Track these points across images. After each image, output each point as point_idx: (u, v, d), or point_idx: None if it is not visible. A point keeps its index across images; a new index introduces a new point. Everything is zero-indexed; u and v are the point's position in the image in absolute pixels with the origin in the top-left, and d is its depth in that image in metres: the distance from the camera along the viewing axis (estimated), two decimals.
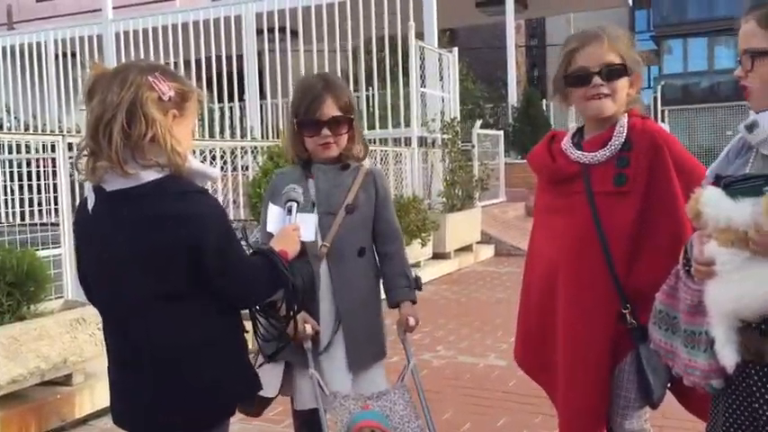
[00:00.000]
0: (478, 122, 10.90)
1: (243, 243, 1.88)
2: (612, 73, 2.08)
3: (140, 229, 1.63)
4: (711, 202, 1.62)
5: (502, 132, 12.20)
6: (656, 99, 19.40)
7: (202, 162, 6.31)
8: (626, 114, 2.14)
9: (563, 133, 2.27)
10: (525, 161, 10.75)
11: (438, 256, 8.34)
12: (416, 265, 7.80)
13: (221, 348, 1.74)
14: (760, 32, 1.65)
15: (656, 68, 32.18)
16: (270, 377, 2.33)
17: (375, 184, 2.47)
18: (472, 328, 5.63)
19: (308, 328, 2.28)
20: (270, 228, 2.13)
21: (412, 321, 2.42)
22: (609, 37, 2.11)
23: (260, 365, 2.05)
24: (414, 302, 2.49)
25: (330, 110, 2.35)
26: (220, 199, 6.68)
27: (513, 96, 13.61)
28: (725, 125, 20.46)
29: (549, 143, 2.26)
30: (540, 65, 30.63)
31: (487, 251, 9.54)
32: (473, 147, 10.03)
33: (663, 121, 18.66)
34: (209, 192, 1.78)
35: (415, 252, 7.65)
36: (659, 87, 20.56)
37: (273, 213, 2.16)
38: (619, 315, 2.07)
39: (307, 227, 2.10)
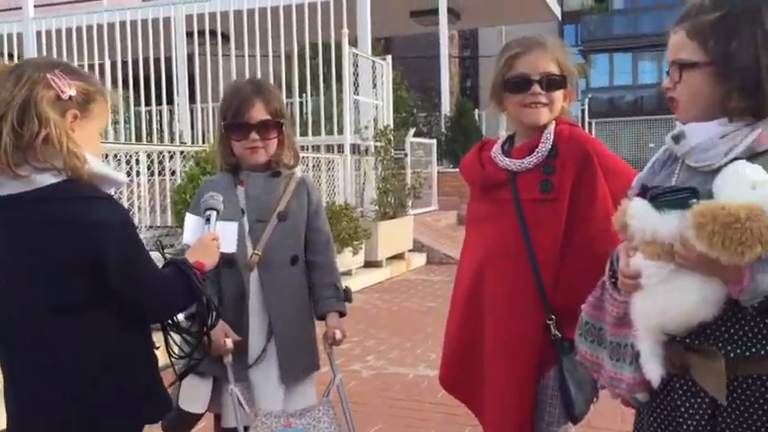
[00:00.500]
0: (412, 131, 10.94)
1: (159, 253, 1.78)
2: (552, 83, 2.08)
3: (36, 237, 1.50)
4: (638, 214, 1.61)
5: (435, 141, 12.28)
6: (583, 111, 19.94)
7: (126, 165, 6.07)
8: (553, 122, 2.13)
9: (493, 141, 2.25)
10: (458, 170, 10.84)
11: (370, 264, 8.30)
12: (348, 273, 7.73)
13: (126, 365, 1.62)
14: (689, 44, 1.64)
15: (584, 82, 33.14)
16: (197, 393, 2.24)
17: (307, 192, 2.41)
18: (403, 338, 5.59)
19: (228, 342, 2.19)
20: (187, 238, 2.03)
21: (338, 335, 2.36)
22: (551, 46, 2.12)
23: (172, 384, 1.94)
24: (342, 314, 2.43)
25: (259, 113, 2.27)
26: (145, 204, 6.47)
27: (447, 106, 13.73)
28: (648, 138, 21.20)
29: (479, 151, 2.24)
30: (472, 75, 31.07)
31: (419, 259, 9.55)
32: (406, 155, 10.04)
33: (590, 133, 19.17)
34: (120, 196, 1.67)
35: (347, 260, 7.59)
36: (586, 100, 21.15)
37: (191, 223, 2.06)
38: (544, 326, 2.05)
39: (227, 237, 2.01)
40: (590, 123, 20.12)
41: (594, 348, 1.84)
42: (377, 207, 8.84)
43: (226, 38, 10.25)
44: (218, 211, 2.04)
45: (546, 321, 2.04)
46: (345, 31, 8.74)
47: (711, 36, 1.60)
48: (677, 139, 1.68)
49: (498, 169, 2.13)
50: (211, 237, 1.90)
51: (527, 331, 2.06)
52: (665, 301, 1.57)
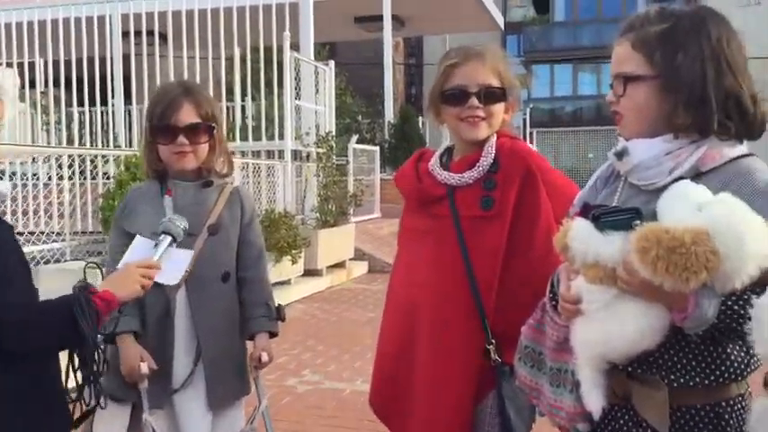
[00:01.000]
0: (355, 137, 10.83)
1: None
2: (490, 96, 1.97)
3: None
4: (580, 235, 1.53)
5: (378, 148, 12.20)
6: (525, 121, 20.21)
7: (59, 168, 5.77)
8: (494, 135, 2.04)
9: (432, 152, 2.14)
10: None
11: (310, 273, 8.13)
12: (287, 282, 7.57)
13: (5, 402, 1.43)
14: (634, 56, 1.56)
15: (526, 92, 33.65)
16: (113, 422, 2.06)
17: (241, 203, 2.26)
18: (341, 350, 5.46)
19: (144, 367, 2.02)
20: (125, 257, 1.85)
21: (265, 357, 2.21)
22: (491, 57, 2.01)
23: (80, 418, 1.75)
24: (273, 335, 2.29)
25: (187, 116, 2.12)
26: (75, 209, 6.17)
27: (390, 113, 13.68)
28: (587, 148, 21.63)
29: (416, 162, 2.13)
30: (417, 83, 31.21)
31: (361, 268, 9.44)
32: (348, 162, 9.92)
33: (531, 142, 19.45)
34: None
35: (286, 269, 7.42)
36: (528, 110, 21.45)
37: (137, 243, 1.89)
38: (483, 351, 1.94)
39: (173, 266, 1.84)
40: (531, 133, 20.39)
41: (534, 374, 1.76)
42: (317, 214, 8.69)
43: (164, 38, 9.96)
44: (174, 239, 1.87)
45: (486, 346, 1.94)
46: (287, 34, 8.58)
47: (657, 48, 1.53)
48: (620, 155, 1.61)
49: (436, 183, 2.03)
50: (144, 265, 1.72)
51: (465, 356, 1.95)
52: (607, 328, 1.49)
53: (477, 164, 2.00)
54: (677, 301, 1.40)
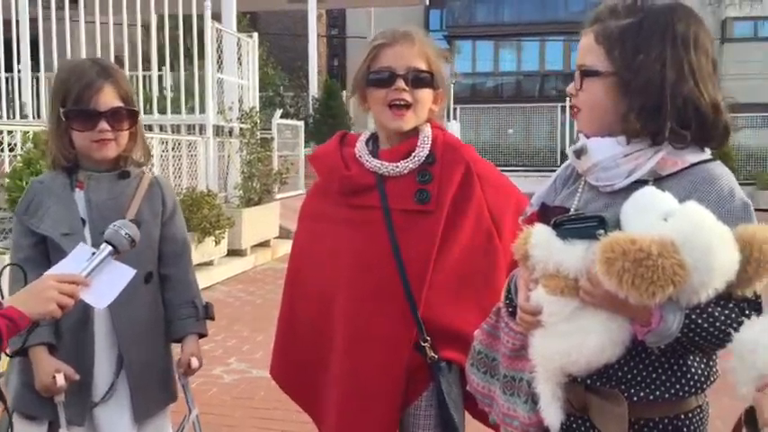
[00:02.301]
0: (279, 112, 10.55)
1: None
2: (418, 80, 1.86)
3: None
4: (541, 243, 1.46)
5: (302, 123, 11.95)
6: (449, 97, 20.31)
7: None
8: (428, 125, 1.93)
9: (355, 136, 2.01)
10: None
11: (233, 253, 7.90)
12: (210, 263, 7.32)
13: None
14: (595, 49, 1.49)
15: (449, 67, 33.81)
16: None
17: (162, 195, 2.08)
18: (268, 335, 5.25)
19: (60, 378, 1.84)
20: (56, 267, 1.63)
21: (195, 363, 2.06)
22: (420, 41, 1.90)
23: None
24: (202, 335, 2.13)
25: (109, 99, 1.92)
26: None
27: (315, 87, 13.41)
28: (507, 124, 21.96)
29: (339, 146, 1.99)
30: (340, 55, 30.85)
31: (286, 246, 9.24)
32: (273, 138, 9.65)
33: (454, 118, 19.56)
34: None
35: (209, 250, 7.17)
36: (451, 86, 21.56)
37: (76, 252, 1.66)
38: (415, 347, 1.86)
39: (107, 285, 1.63)
40: (455, 109, 20.51)
41: (487, 380, 1.71)
42: (241, 192, 8.43)
43: (75, 2, 9.36)
44: (116, 250, 1.66)
45: (420, 343, 1.86)
46: (208, 3, 8.19)
47: (618, 45, 1.46)
48: (579, 153, 1.54)
49: (364, 171, 1.91)
50: (67, 279, 1.51)
51: (394, 355, 1.86)
52: (568, 342, 1.43)
53: (413, 154, 1.89)
54: (641, 314, 1.36)
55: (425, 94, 1.90)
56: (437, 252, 1.85)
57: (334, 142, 2.01)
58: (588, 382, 1.47)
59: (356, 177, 1.91)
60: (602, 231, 1.37)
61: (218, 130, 8.74)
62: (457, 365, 1.88)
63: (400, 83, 1.85)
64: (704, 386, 1.47)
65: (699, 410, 1.48)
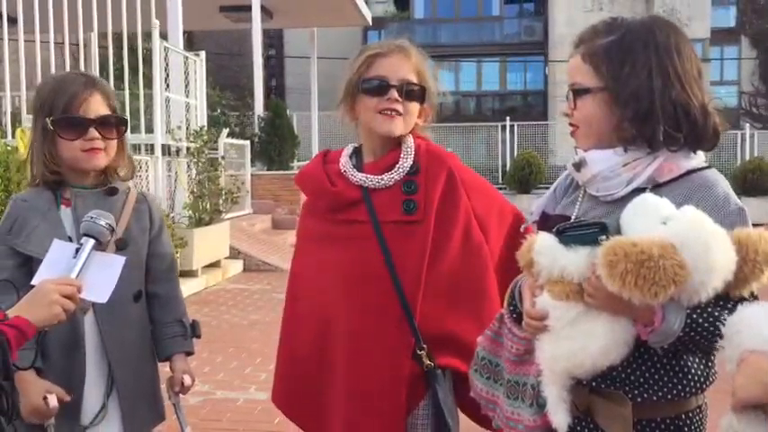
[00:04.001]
0: (225, 131, 10.44)
1: None
2: (410, 93, 1.90)
3: None
4: (545, 250, 1.49)
5: (248, 142, 11.86)
6: None
7: None
8: (411, 135, 1.96)
9: (337, 152, 2.03)
10: (272, 173, 10.54)
11: (184, 274, 7.73)
12: None
13: None
14: (583, 68, 1.56)
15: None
16: None
17: (150, 211, 2.03)
18: (227, 356, 5.23)
19: (52, 400, 1.77)
20: (41, 272, 1.58)
21: (188, 381, 2.02)
22: (415, 56, 1.94)
23: None
24: (189, 353, 2.10)
25: (98, 107, 1.89)
26: None
27: (260, 106, 13.34)
28: (446, 143, 22.28)
29: (322, 164, 2.00)
30: (277, 75, 30.77)
31: (236, 267, 9.14)
32: (223, 157, 9.54)
33: None
34: None
35: None
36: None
37: (55, 249, 1.61)
38: (413, 356, 1.87)
39: (102, 277, 1.59)
40: None
41: (490, 386, 1.73)
42: (190, 212, 8.29)
43: (13, 20, 9.09)
44: (98, 241, 1.62)
45: (417, 351, 1.87)
46: (156, 22, 8.09)
47: (604, 60, 1.53)
48: (578, 166, 1.60)
49: (350, 186, 1.92)
50: (64, 282, 1.47)
51: (393, 364, 1.87)
52: (574, 344, 1.47)
53: (397, 165, 1.92)
54: (643, 315, 1.40)
55: (415, 108, 1.93)
56: (429, 260, 1.87)
57: (318, 160, 2.03)
58: (593, 384, 1.50)
59: (343, 192, 1.92)
60: (604, 237, 1.41)
61: (166, 150, 8.60)
62: (450, 372, 1.91)
63: (393, 93, 1.88)
64: (704, 386, 1.51)
65: (699, 410, 1.53)
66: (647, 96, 1.49)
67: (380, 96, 1.88)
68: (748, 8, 25.96)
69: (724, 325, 1.38)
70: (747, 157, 18.04)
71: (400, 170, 1.91)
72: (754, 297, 1.42)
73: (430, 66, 2.02)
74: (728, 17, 26.58)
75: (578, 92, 1.57)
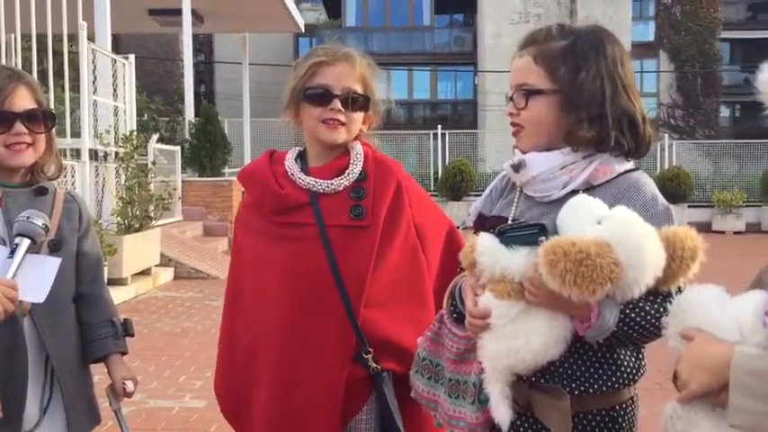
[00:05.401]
0: (155, 136, 10.23)
1: None
2: (354, 102, 1.91)
3: None
4: (487, 251, 1.54)
5: (179, 148, 11.65)
6: None
7: None
8: (358, 142, 1.99)
9: (282, 154, 2.03)
10: (204, 179, 10.33)
11: (113, 282, 7.52)
12: None
13: None
14: (536, 70, 1.60)
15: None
16: None
17: (79, 211, 1.99)
18: (160, 365, 5.12)
19: None
20: None
21: (130, 387, 1.99)
22: (360, 64, 1.94)
23: None
24: (124, 353, 2.06)
25: (25, 101, 1.83)
26: None
27: (191, 111, 13.12)
28: (379, 151, 22.33)
29: (269, 164, 1.99)
30: (207, 81, 30.32)
31: (167, 274, 8.95)
32: (155, 163, 9.33)
33: None
34: None
35: None
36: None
37: None
38: (357, 359, 1.89)
39: (39, 278, 1.56)
40: None
41: (431, 386, 1.76)
42: (119, 219, 8.08)
43: None
44: (33, 240, 1.57)
45: (363, 355, 1.89)
46: (83, 24, 7.87)
47: (560, 64, 1.58)
48: (517, 167, 1.64)
49: (298, 189, 1.93)
50: (2, 283, 1.44)
51: (335, 367, 1.88)
52: (516, 341, 1.52)
53: (347, 171, 1.93)
54: (581, 312, 1.45)
55: (358, 116, 1.94)
56: (373, 267, 1.89)
57: (264, 160, 2.01)
58: (533, 380, 1.55)
59: (290, 196, 1.91)
60: (543, 238, 1.47)
61: (93, 155, 8.35)
62: (394, 375, 1.93)
63: (336, 103, 1.88)
64: (635, 378, 1.59)
65: (631, 401, 1.60)
66: (599, 102, 1.56)
67: (323, 106, 1.89)
68: (666, 23, 27.11)
69: (655, 319, 1.46)
70: (666, 166, 18.82)
71: (350, 176, 1.92)
72: (680, 292, 1.50)
73: (377, 72, 2.02)
74: (648, 32, 27.69)
75: (531, 93, 1.60)
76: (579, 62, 1.57)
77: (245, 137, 16.40)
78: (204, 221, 11.79)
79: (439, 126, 20.62)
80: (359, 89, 1.92)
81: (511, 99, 1.65)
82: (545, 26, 1.66)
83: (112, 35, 14.22)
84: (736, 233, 16.68)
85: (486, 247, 1.54)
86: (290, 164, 1.96)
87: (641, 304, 1.47)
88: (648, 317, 1.48)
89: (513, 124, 1.66)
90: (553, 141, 1.61)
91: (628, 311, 1.46)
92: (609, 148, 1.57)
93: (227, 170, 13.07)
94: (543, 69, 1.59)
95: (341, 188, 1.92)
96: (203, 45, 29.38)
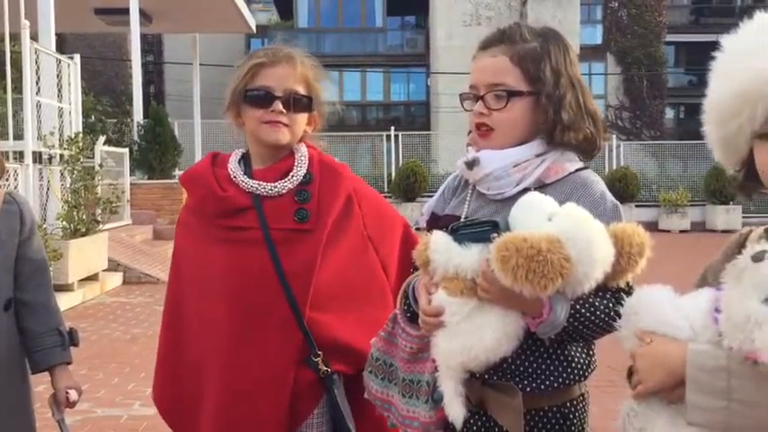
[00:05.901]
0: (102, 138, 9.99)
1: None
2: (297, 103, 1.87)
3: None
4: (440, 248, 1.53)
5: (127, 150, 11.41)
6: None
7: None
8: (303, 144, 1.95)
9: (225, 156, 1.98)
10: (153, 182, 10.19)
11: (59, 288, 7.32)
12: None
13: None
14: (513, 70, 1.59)
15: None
16: None
17: (20, 212, 1.92)
18: (108, 372, 4.99)
19: None
20: None
21: (74, 396, 1.92)
22: (302, 64, 1.90)
23: None
24: (69, 363, 1.99)
25: None
26: None
27: (140, 113, 12.87)
28: (331, 153, 22.19)
29: (212, 167, 1.95)
30: (156, 82, 29.81)
31: (115, 279, 8.75)
32: (102, 165, 9.11)
33: None
34: None
35: None
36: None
37: None
38: (306, 362, 1.86)
39: None
40: None
41: (385, 386, 1.75)
42: (65, 223, 7.86)
43: None
44: None
45: (312, 358, 1.86)
46: (26, 23, 7.65)
47: (539, 65, 1.59)
48: (471, 165, 1.64)
49: (241, 192, 1.89)
50: None
51: (282, 371, 1.84)
52: (469, 339, 1.51)
53: (291, 174, 1.90)
54: (533, 307, 1.45)
55: (302, 118, 1.91)
56: (318, 270, 1.85)
57: (207, 162, 1.97)
58: (485, 377, 1.55)
59: (233, 199, 1.87)
60: (495, 234, 1.47)
61: (37, 157, 8.12)
62: (347, 377, 1.91)
63: (278, 105, 1.84)
64: (586, 374, 1.60)
65: (582, 398, 1.61)
66: (575, 104, 1.58)
67: (264, 108, 1.85)
68: (613, 27, 27.69)
69: (605, 314, 1.48)
70: (614, 167, 19.23)
71: (294, 179, 1.89)
72: (629, 287, 1.51)
73: (322, 73, 1.99)
74: (596, 35, 28.21)
75: (511, 94, 1.59)
76: (557, 64, 1.59)
77: (195, 138, 16.18)
78: (154, 225, 11.58)
79: (392, 128, 20.68)
80: (301, 90, 1.88)
81: (480, 99, 1.61)
82: (514, 24, 1.66)
83: (57, 34, 13.90)
84: (681, 231, 17.14)
85: (439, 244, 1.53)
86: (233, 166, 1.92)
87: (591, 300, 1.48)
88: (598, 312, 1.49)
89: (482, 125, 1.63)
90: (523, 140, 1.61)
91: (578, 307, 1.48)
92: (582, 149, 1.60)
93: (177, 172, 12.86)
94: (521, 70, 1.58)
95: (284, 191, 1.88)
96: (152, 45, 28.87)
